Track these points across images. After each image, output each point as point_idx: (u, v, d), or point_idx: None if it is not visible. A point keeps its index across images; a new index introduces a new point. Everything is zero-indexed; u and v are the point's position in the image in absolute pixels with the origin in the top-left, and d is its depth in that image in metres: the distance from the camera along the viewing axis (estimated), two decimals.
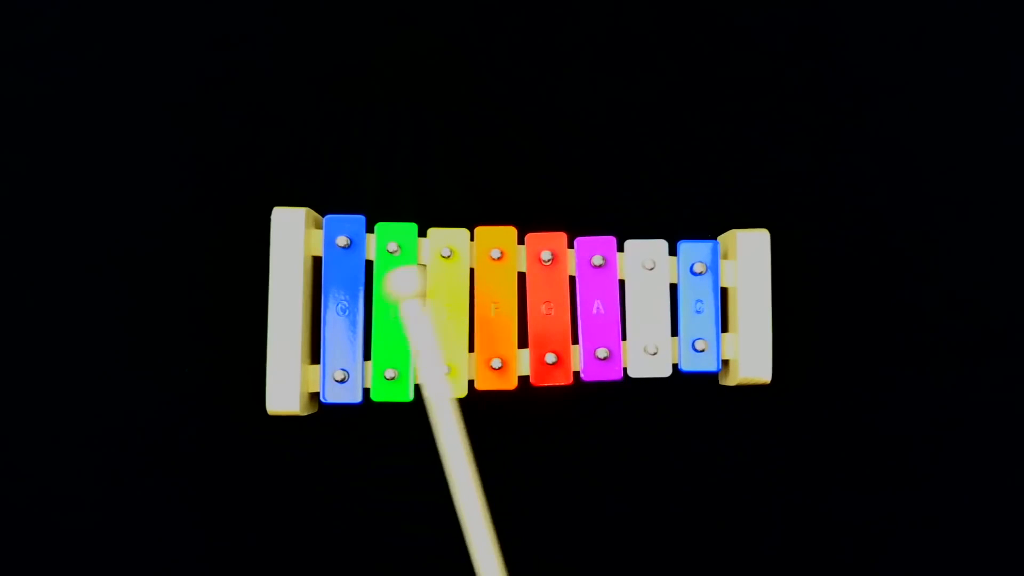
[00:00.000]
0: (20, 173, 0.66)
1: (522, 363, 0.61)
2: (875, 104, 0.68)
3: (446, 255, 0.60)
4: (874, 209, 0.67)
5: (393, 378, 0.59)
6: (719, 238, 0.64)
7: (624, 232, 0.63)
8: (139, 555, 0.64)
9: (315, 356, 0.61)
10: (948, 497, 0.66)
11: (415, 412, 0.64)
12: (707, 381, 0.65)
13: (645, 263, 0.61)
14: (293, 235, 0.60)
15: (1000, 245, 0.67)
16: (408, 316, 0.53)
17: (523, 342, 0.61)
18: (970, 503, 0.66)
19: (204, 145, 0.66)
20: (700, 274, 0.61)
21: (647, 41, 0.68)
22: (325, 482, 0.64)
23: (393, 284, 0.54)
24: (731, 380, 0.63)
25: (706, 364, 0.61)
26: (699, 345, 0.61)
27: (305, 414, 0.60)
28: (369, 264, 0.61)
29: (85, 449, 0.64)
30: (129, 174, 0.66)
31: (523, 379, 0.61)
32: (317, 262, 0.62)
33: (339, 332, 0.60)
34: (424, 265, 0.60)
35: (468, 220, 0.62)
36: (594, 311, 0.61)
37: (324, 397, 0.59)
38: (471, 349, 0.61)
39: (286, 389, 0.59)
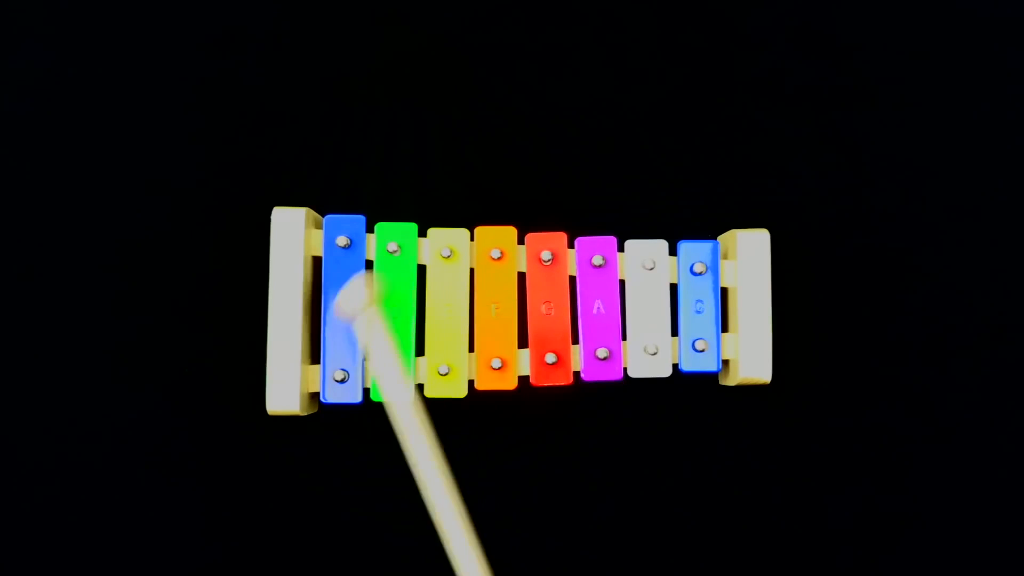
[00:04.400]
0: (20, 173, 0.66)
1: (522, 363, 0.61)
2: (875, 104, 0.68)
3: (446, 255, 0.60)
4: (874, 209, 0.67)
5: None
6: (719, 238, 0.64)
7: (624, 232, 0.63)
8: (139, 555, 0.64)
9: (315, 356, 0.61)
10: (948, 497, 0.66)
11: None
12: (707, 381, 0.65)
13: (645, 263, 0.61)
14: (293, 235, 0.60)
15: (1000, 245, 0.67)
16: (364, 330, 0.51)
17: (523, 342, 0.61)
18: (970, 503, 0.66)
19: (204, 145, 0.66)
20: (700, 274, 0.61)
21: (647, 41, 0.68)
22: (325, 482, 0.64)
23: (343, 306, 0.51)
24: (731, 380, 0.63)
25: (706, 364, 0.61)
26: (699, 345, 0.61)
27: (305, 414, 0.60)
28: (369, 264, 0.61)
29: (85, 449, 0.64)
30: (129, 174, 0.66)
31: (523, 379, 0.61)
32: (317, 262, 0.62)
33: (339, 332, 0.60)
34: (369, 267, 0.59)
35: (468, 220, 0.62)
36: (594, 311, 0.61)
37: (324, 397, 0.59)
38: (471, 349, 0.61)
39: (286, 389, 0.59)
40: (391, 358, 0.51)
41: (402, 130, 0.67)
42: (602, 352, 0.60)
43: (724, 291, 0.63)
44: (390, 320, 0.55)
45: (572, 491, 0.65)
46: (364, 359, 0.59)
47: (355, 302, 0.52)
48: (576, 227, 0.63)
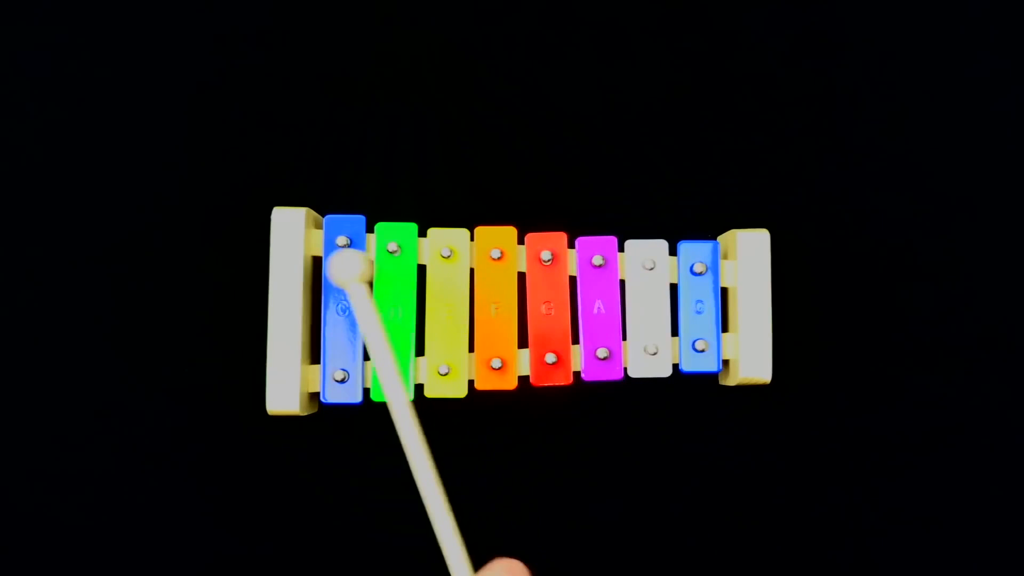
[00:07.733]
0: (19, 172, 0.66)
1: (522, 363, 0.61)
2: (875, 104, 0.68)
3: (446, 255, 0.60)
4: (874, 209, 0.67)
5: None
6: (719, 238, 0.64)
7: (624, 232, 0.63)
8: (139, 555, 0.64)
9: (315, 356, 0.61)
10: (948, 498, 0.66)
11: (415, 412, 0.64)
12: (707, 381, 0.65)
13: (645, 263, 0.61)
14: (293, 235, 0.60)
15: (1000, 245, 0.67)
16: (355, 302, 0.49)
17: (523, 342, 0.61)
18: (970, 504, 0.66)
19: (204, 145, 0.66)
20: (700, 274, 0.61)
21: (647, 41, 0.68)
22: (325, 482, 0.64)
23: (334, 268, 0.49)
24: (731, 380, 0.63)
25: (706, 364, 0.61)
26: (699, 345, 0.61)
27: (305, 414, 0.60)
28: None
29: (85, 449, 0.64)
30: (129, 173, 0.66)
31: (523, 379, 0.61)
32: (317, 262, 0.62)
33: (339, 332, 0.60)
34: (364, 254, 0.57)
35: (468, 220, 0.62)
36: (595, 311, 0.61)
37: (324, 397, 0.59)
38: (471, 349, 0.61)
39: (286, 389, 0.59)
40: (382, 341, 0.49)
41: (402, 130, 0.67)
42: (602, 352, 0.60)
43: (724, 291, 0.63)
44: (383, 311, 0.54)
45: (572, 491, 0.65)
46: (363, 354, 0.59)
47: (348, 269, 0.49)
48: (576, 227, 0.63)
